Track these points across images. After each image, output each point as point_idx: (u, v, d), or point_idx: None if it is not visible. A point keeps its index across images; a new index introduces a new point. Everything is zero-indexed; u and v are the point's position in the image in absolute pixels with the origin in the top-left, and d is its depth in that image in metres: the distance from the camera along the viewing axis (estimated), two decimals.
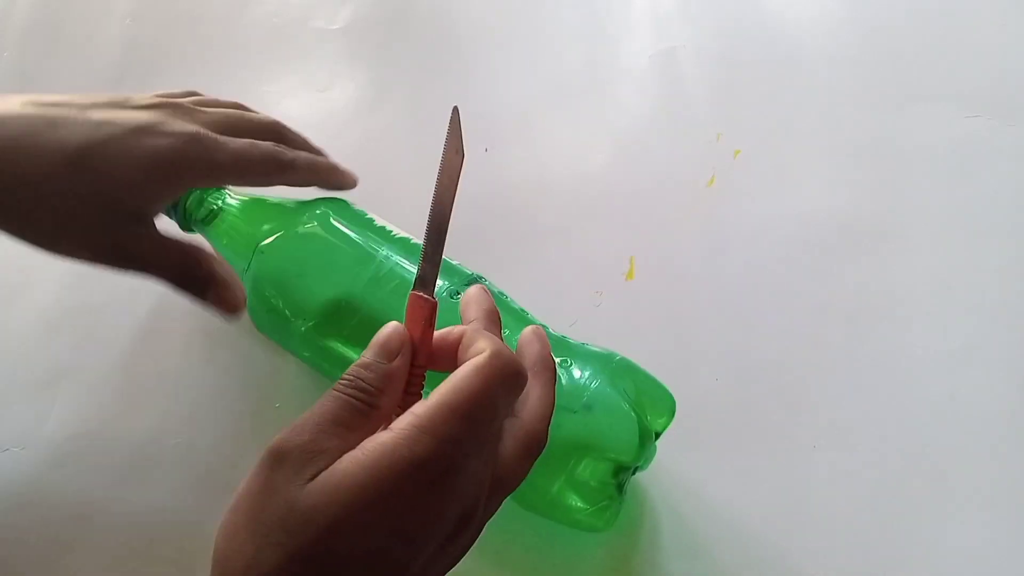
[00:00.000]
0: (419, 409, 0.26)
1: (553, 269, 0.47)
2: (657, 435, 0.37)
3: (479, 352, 0.28)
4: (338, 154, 0.42)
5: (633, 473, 0.37)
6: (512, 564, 0.39)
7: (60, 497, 0.41)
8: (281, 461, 0.26)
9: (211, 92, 0.56)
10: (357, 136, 0.54)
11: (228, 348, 0.45)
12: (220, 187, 0.40)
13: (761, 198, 0.49)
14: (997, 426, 0.41)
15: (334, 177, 0.41)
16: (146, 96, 0.37)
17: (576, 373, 0.36)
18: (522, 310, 0.39)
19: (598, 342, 0.40)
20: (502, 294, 0.39)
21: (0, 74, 0.58)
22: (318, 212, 0.39)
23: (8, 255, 0.47)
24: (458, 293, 0.37)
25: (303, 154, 0.39)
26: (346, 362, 0.31)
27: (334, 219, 0.39)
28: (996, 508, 0.39)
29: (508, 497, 0.30)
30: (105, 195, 0.34)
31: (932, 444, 0.41)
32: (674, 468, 0.40)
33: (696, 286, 0.46)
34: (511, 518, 0.36)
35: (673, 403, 0.38)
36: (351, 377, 0.28)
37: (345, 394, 0.27)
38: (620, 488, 0.36)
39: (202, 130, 0.36)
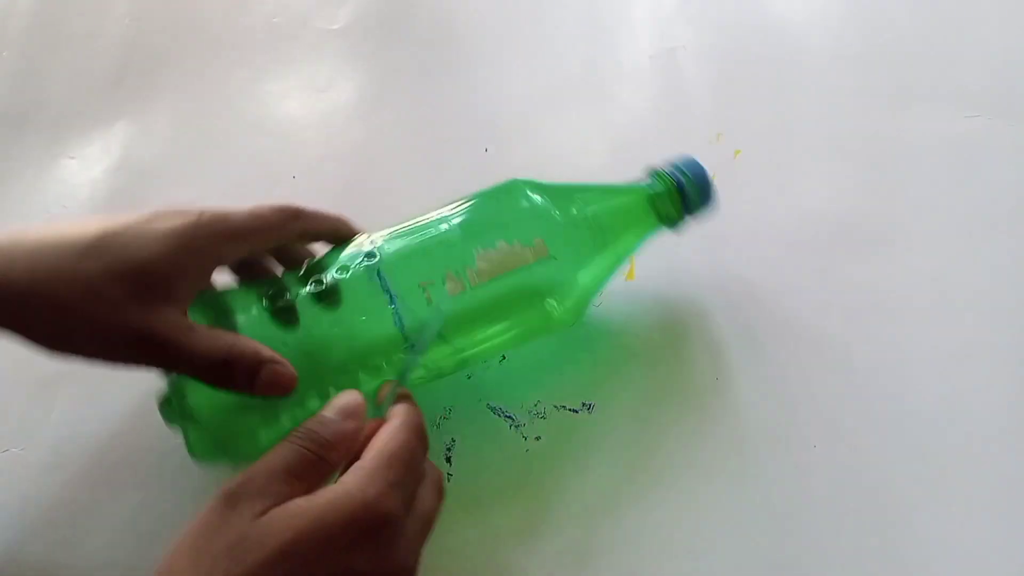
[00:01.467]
0: (364, 460, 0.30)
1: None
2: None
3: (399, 413, 0.33)
4: (338, 154, 0.42)
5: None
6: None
7: (60, 498, 0.41)
8: (234, 501, 0.28)
9: (211, 93, 0.57)
10: (357, 136, 0.54)
11: None
12: (245, 253, 0.37)
13: (761, 198, 0.49)
14: (997, 426, 0.41)
15: (344, 226, 0.40)
16: None
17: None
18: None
19: (599, 342, 0.40)
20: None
21: (0, 74, 0.58)
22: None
23: None
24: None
25: (312, 212, 0.39)
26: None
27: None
28: (996, 508, 0.39)
29: None
30: (129, 273, 0.32)
31: (931, 444, 0.41)
32: (674, 468, 0.40)
33: (696, 286, 0.46)
34: None
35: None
36: (306, 430, 0.31)
37: (299, 444, 0.30)
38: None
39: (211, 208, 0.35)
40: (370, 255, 0.37)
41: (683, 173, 0.41)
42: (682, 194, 0.41)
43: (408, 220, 0.39)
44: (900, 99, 0.52)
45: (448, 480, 0.41)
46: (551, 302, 0.39)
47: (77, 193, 0.52)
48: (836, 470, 0.40)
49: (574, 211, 0.40)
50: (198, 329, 0.33)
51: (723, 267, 0.47)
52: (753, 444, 0.41)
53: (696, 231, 0.43)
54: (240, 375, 0.32)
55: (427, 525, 0.32)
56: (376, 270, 0.37)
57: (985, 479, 0.40)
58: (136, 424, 0.43)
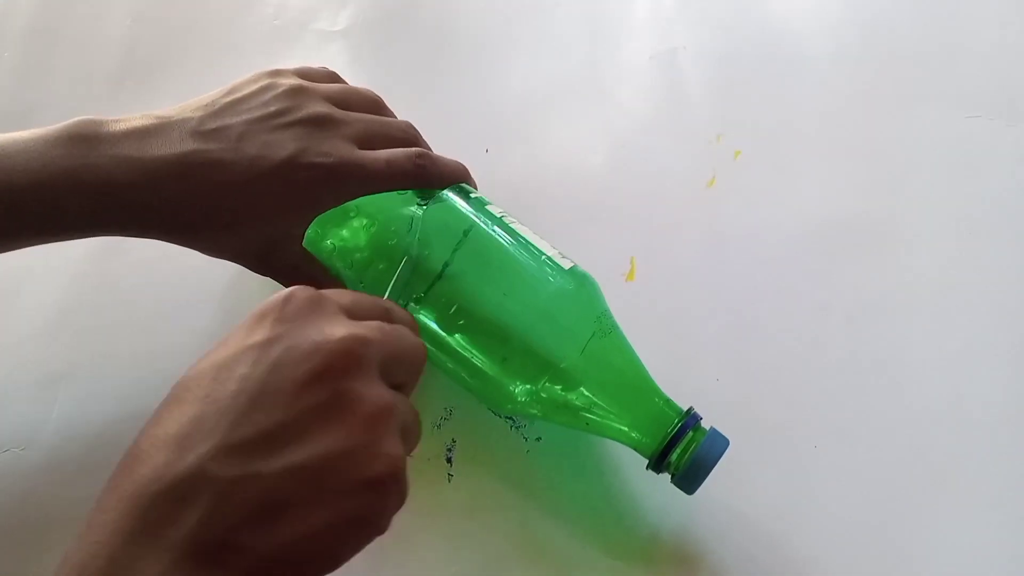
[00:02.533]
0: None
1: None
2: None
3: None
4: None
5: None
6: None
7: (61, 498, 0.41)
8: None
9: None
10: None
11: None
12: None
13: (761, 198, 0.49)
14: (997, 426, 0.41)
15: (467, 179, 0.44)
16: (287, 90, 0.40)
17: None
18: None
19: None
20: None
21: (1, 74, 0.58)
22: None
23: (8, 256, 0.48)
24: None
25: (441, 162, 0.42)
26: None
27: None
28: (996, 508, 0.39)
29: None
30: (258, 225, 0.39)
31: (932, 444, 0.41)
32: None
33: (696, 287, 0.46)
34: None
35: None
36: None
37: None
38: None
39: (343, 154, 0.39)
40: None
41: (689, 445, 0.36)
42: (670, 450, 0.36)
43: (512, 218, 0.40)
44: (900, 99, 0.52)
45: (448, 480, 0.41)
46: (545, 384, 0.37)
47: None
48: (836, 470, 0.40)
49: (624, 344, 0.38)
50: (303, 264, 0.40)
51: (723, 266, 0.47)
52: (753, 444, 0.41)
53: (696, 231, 0.44)
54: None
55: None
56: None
57: (985, 479, 0.40)
58: (136, 424, 0.43)
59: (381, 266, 0.38)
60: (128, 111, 0.55)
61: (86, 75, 0.58)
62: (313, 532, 0.25)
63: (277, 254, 0.40)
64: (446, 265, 0.37)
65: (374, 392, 0.27)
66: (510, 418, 0.42)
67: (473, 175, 0.45)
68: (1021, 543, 0.38)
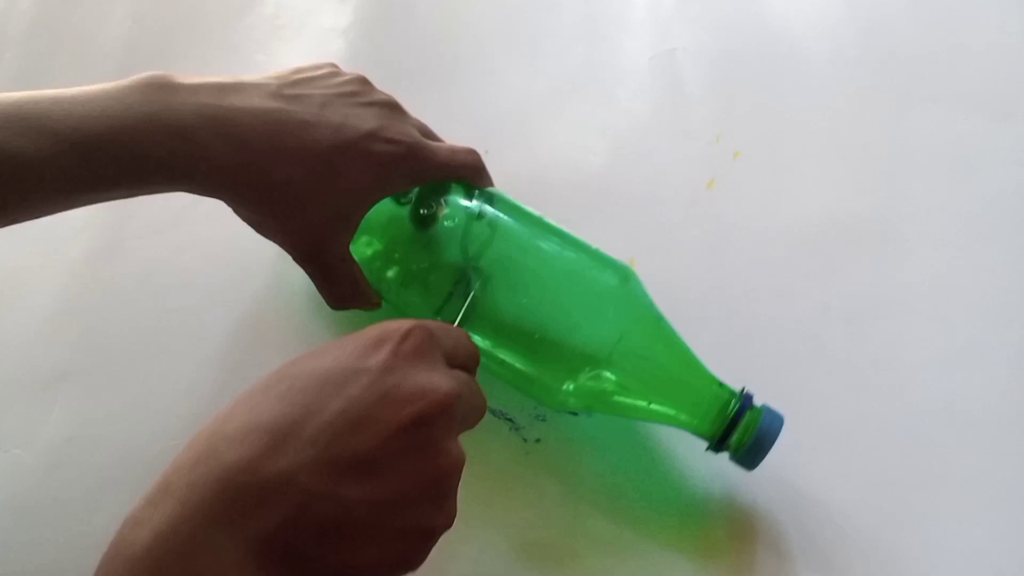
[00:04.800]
0: None
1: None
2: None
3: None
4: None
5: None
6: None
7: (61, 498, 0.41)
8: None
9: None
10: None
11: (229, 348, 0.46)
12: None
13: (761, 199, 0.49)
14: (997, 426, 0.41)
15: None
16: (351, 78, 0.41)
17: None
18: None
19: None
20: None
21: (1, 74, 0.58)
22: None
23: (8, 256, 0.48)
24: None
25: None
26: None
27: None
28: (996, 508, 0.39)
29: None
30: (337, 195, 0.38)
31: (932, 444, 0.41)
32: (674, 469, 0.40)
33: (696, 287, 0.46)
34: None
35: None
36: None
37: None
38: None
39: (418, 137, 0.40)
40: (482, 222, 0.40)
41: (751, 424, 0.37)
42: (732, 431, 0.37)
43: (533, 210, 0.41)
44: (900, 100, 0.52)
45: None
46: (586, 378, 0.38)
47: None
48: (836, 470, 0.40)
49: (667, 333, 0.39)
50: (347, 262, 0.40)
51: (723, 267, 0.47)
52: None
53: (696, 232, 0.44)
54: (350, 305, 0.41)
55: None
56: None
57: (985, 479, 0.40)
58: (136, 424, 0.43)
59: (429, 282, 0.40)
60: None
61: (87, 75, 0.58)
62: (365, 563, 0.26)
63: (332, 239, 0.39)
64: (496, 278, 0.38)
65: (455, 448, 0.29)
66: (510, 419, 0.42)
67: None
68: (1021, 543, 0.38)
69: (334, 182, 0.37)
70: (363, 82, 0.41)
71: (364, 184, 0.38)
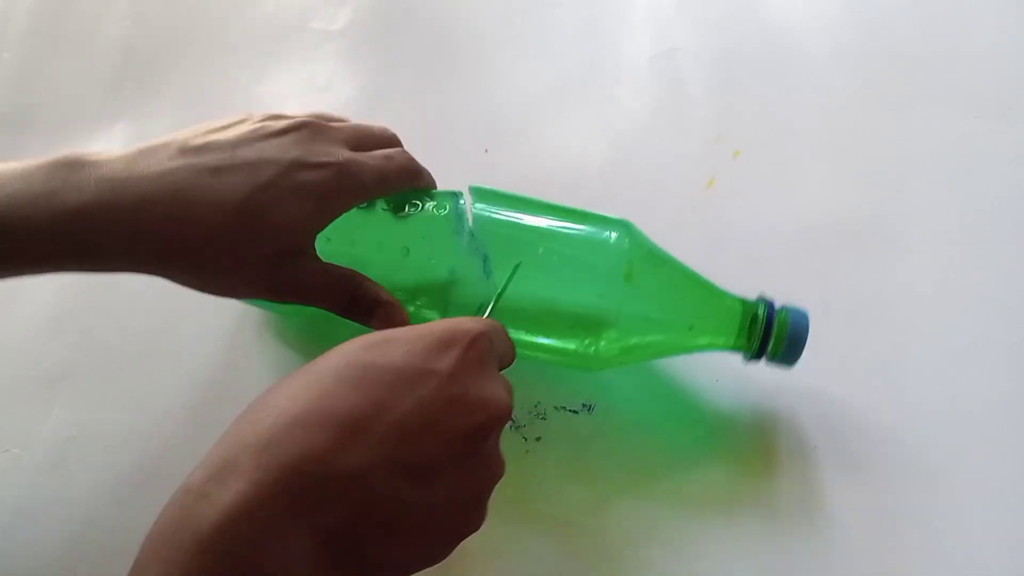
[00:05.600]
0: None
1: None
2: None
3: None
4: None
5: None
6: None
7: (60, 498, 0.41)
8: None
9: (212, 93, 0.57)
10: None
11: (229, 348, 0.46)
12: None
13: (761, 198, 0.49)
14: (998, 426, 0.41)
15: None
16: (263, 116, 0.38)
17: None
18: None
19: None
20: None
21: (1, 75, 0.58)
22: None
23: None
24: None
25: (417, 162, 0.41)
26: None
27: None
28: (996, 508, 0.39)
29: None
30: (272, 235, 0.35)
31: (932, 444, 0.41)
32: (674, 469, 0.40)
33: None
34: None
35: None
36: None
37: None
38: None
39: (345, 155, 0.37)
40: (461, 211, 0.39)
41: (784, 325, 0.38)
42: (769, 337, 0.38)
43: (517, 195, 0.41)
44: (900, 100, 0.52)
45: None
46: (599, 337, 0.38)
47: None
48: (835, 470, 0.40)
49: (667, 274, 0.40)
50: (329, 271, 0.37)
51: (723, 268, 0.46)
52: (752, 445, 0.41)
53: (696, 231, 0.44)
54: (361, 312, 0.38)
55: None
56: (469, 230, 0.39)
57: (986, 479, 0.40)
58: (136, 424, 0.43)
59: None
60: (128, 111, 0.56)
61: (86, 75, 0.58)
62: (404, 558, 0.28)
63: (293, 268, 0.36)
64: (515, 269, 0.37)
65: (500, 456, 0.30)
66: (510, 418, 0.42)
67: (473, 175, 0.44)
68: (1021, 543, 0.38)
69: (264, 221, 0.34)
70: (274, 116, 0.37)
71: (303, 216, 0.35)
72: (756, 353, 0.39)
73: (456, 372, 0.28)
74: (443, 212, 0.39)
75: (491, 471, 0.29)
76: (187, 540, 0.24)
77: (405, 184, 0.40)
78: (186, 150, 0.35)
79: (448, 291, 0.39)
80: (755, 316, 0.39)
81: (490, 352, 0.30)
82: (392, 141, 0.42)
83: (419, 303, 0.40)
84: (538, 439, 0.42)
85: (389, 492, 0.26)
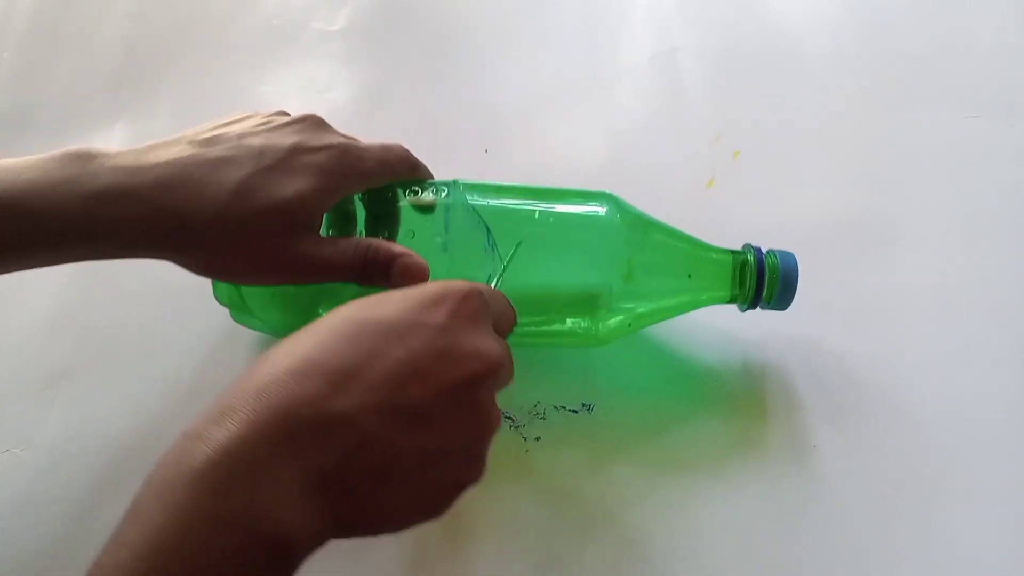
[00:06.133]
0: None
1: None
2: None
3: None
4: None
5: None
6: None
7: (60, 498, 0.41)
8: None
9: (211, 93, 0.57)
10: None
11: (229, 348, 0.46)
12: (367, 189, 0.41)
13: (761, 198, 0.49)
14: (997, 426, 0.41)
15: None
16: (269, 113, 0.39)
17: None
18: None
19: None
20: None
21: (0, 75, 0.58)
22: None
23: None
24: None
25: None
26: None
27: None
28: (997, 508, 0.39)
29: None
30: (278, 211, 0.36)
31: (932, 444, 0.41)
32: (674, 468, 0.40)
33: None
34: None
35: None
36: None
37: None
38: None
39: (346, 140, 0.39)
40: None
41: (774, 268, 0.40)
42: (763, 282, 0.40)
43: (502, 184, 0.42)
44: (900, 99, 0.52)
45: None
46: (603, 312, 0.39)
47: None
48: (835, 470, 0.40)
49: (659, 238, 0.40)
50: (338, 243, 0.37)
51: None
52: (752, 445, 0.41)
53: (696, 231, 0.43)
54: (378, 273, 0.37)
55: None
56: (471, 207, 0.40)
57: (985, 479, 0.40)
58: (136, 424, 0.43)
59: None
60: (128, 111, 0.56)
61: (86, 75, 0.58)
62: (399, 506, 0.28)
63: (306, 246, 0.37)
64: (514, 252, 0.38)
65: (495, 409, 0.30)
66: (509, 417, 0.42)
67: (473, 175, 0.45)
68: (1021, 543, 0.38)
69: (270, 198, 0.35)
70: (279, 113, 0.39)
71: (307, 192, 0.36)
72: (751, 300, 0.40)
73: (447, 325, 0.29)
74: (443, 195, 0.40)
75: (486, 422, 0.30)
76: (181, 475, 0.25)
77: (405, 173, 0.40)
78: (195, 142, 0.36)
79: (454, 272, 0.39)
80: (745, 263, 0.40)
81: (484, 309, 0.31)
82: (389, 147, 0.42)
83: None
84: (538, 439, 0.42)
85: (379, 435, 0.27)
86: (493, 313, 0.32)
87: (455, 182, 0.41)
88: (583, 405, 0.42)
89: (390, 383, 0.27)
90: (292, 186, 0.36)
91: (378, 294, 0.31)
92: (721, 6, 0.58)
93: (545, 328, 0.40)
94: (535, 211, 0.40)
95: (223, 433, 0.25)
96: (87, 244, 0.35)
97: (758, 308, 0.41)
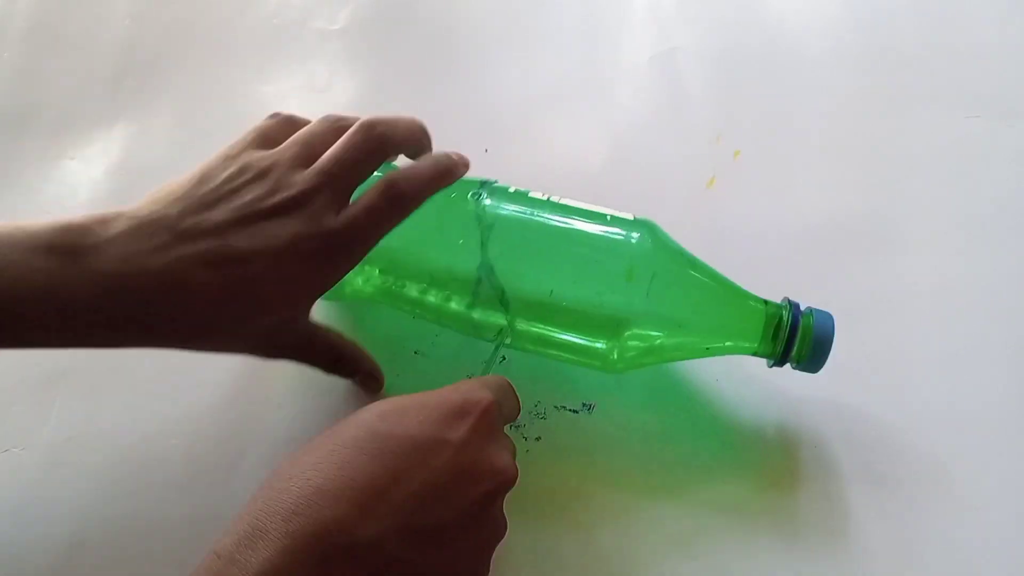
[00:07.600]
0: None
1: None
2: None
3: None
4: None
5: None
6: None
7: (60, 497, 0.41)
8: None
9: (212, 93, 0.57)
10: None
11: None
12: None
13: (761, 198, 0.49)
14: (997, 426, 0.41)
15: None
16: (256, 171, 0.36)
17: None
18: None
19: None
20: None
21: (0, 75, 0.58)
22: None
23: None
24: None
25: (418, 172, 0.38)
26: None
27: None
28: (997, 508, 0.39)
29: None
30: (265, 313, 0.35)
31: (932, 444, 0.41)
32: (674, 469, 0.40)
33: None
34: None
35: None
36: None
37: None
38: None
39: (340, 221, 0.35)
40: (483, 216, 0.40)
41: (808, 330, 0.38)
42: (793, 342, 0.38)
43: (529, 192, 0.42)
44: (900, 99, 0.52)
45: None
46: (621, 335, 0.38)
47: (77, 194, 0.52)
48: (835, 471, 0.40)
49: (689, 272, 0.39)
50: (318, 337, 0.39)
51: (723, 268, 0.46)
52: (752, 446, 0.41)
53: (696, 231, 0.43)
54: (343, 373, 0.41)
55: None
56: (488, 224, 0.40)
57: (986, 479, 0.40)
58: (136, 424, 0.43)
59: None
60: (128, 111, 0.56)
61: (86, 75, 0.58)
62: None
63: (285, 335, 0.37)
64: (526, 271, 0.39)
65: (503, 517, 0.33)
66: None
67: (473, 175, 0.45)
68: (1022, 543, 0.38)
69: (258, 305, 0.35)
70: (264, 174, 0.36)
71: (294, 294, 0.36)
72: (780, 358, 0.38)
73: (467, 442, 0.31)
74: (466, 202, 0.41)
75: (496, 532, 0.33)
76: None
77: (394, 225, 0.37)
78: (178, 234, 0.34)
79: (472, 282, 0.39)
80: (780, 320, 0.38)
81: (499, 419, 0.33)
82: (340, 130, 0.38)
83: (446, 293, 0.40)
84: (538, 439, 0.42)
85: (403, 556, 0.28)
86: (505, 415, 0.34)
87: (485, 183, 0.41)
88: (583, 405, 0.42)
89: (414, 505, 0.29)
90: (279, 293, 0.35)
91: (398, 401, 0.32)
92: (721, 6, 0.58)
93: (563, 340, 0.39)
94: (565, 230, 0.40)
95: (258, 560, 0.26)
96: (68, 343, 0.34)
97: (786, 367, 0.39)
